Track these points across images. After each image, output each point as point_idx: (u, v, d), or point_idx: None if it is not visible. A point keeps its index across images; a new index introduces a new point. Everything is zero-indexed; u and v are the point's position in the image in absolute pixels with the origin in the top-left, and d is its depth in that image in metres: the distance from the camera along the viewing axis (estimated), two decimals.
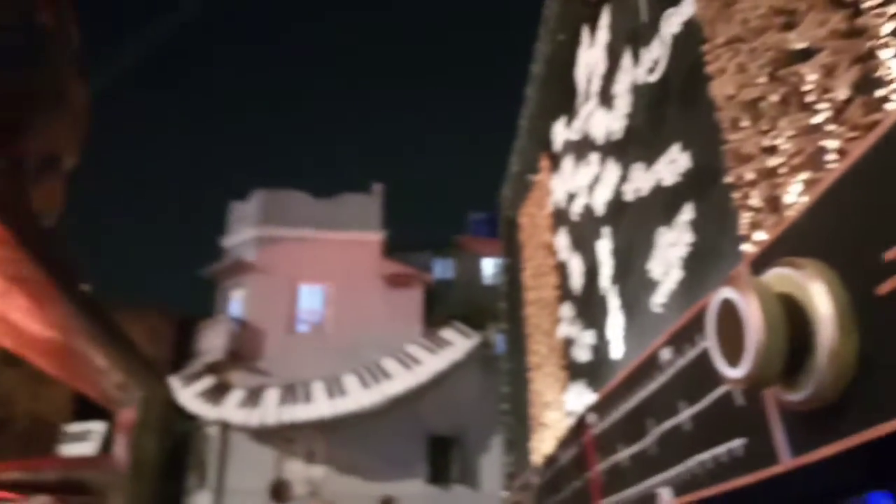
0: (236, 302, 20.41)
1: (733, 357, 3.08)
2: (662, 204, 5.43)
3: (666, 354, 4.70)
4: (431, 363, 18.38)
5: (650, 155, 5.75)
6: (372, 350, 18.62)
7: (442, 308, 20.40)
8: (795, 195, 3.38)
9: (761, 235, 3.65)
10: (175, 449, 16.00)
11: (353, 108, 66.48)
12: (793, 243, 3.16)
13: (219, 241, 21.43)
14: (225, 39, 62.34)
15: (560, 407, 9.08)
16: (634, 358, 5.67)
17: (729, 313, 3.11)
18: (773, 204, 3.54)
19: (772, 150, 3.59)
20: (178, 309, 21.14)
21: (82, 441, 16.84)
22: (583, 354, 8.11)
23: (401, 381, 18.04)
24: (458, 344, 18.87)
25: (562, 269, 9.17)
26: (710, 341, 3.30)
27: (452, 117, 64.52)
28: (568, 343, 8.76)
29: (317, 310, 20.38)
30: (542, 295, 10.02)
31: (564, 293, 9.02)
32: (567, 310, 8.86)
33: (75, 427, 17.42)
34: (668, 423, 4.67)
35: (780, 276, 3.06)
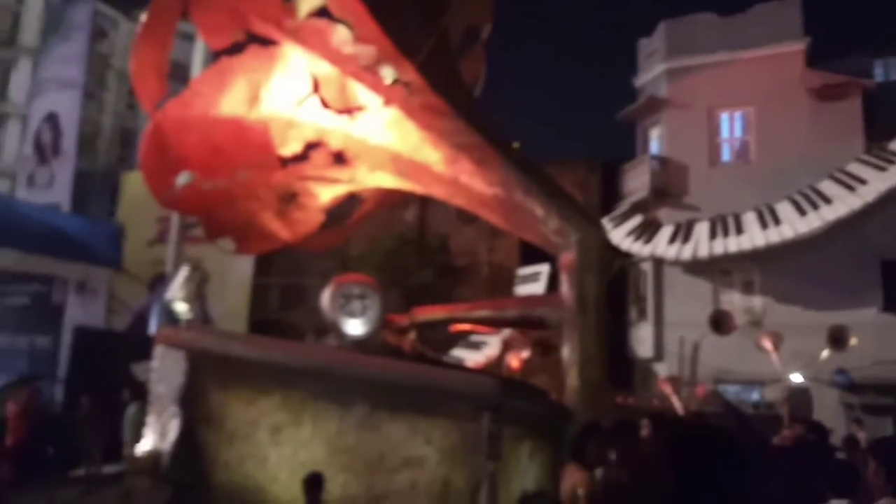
0: (656, 140, 20.38)
1: None
2: None
3: None
4: (879, 181, 16.18)
5: None
6: (804, 174, 17.05)
7: (888, 116, 17.57)
8: None
9: None
10: (613, 285, 17.04)
11: None
12: None
13: (632, 82, 21.32)
14: None
15: None
16: None
17: None
18: None
19: None
20: (600, 156, 21.90)
21: (532, 282, 18.97)
22: None
23: (843, 203, 16.28)
24: None
25: None
26: None
27: None
28: None
29: (739, 137, 19.30)
30: None
31: None
32: None
33: (525, 270, 19.65)
34: None
35: None
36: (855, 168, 16.68)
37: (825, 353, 15.32)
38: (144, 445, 2.32)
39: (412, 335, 3.77)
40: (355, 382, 2.26)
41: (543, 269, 18.38)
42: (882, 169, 16.26)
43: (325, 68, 3.39)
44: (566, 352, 4.69)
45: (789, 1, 18.91)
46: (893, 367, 15.43)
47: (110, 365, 10.90)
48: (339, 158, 3.68)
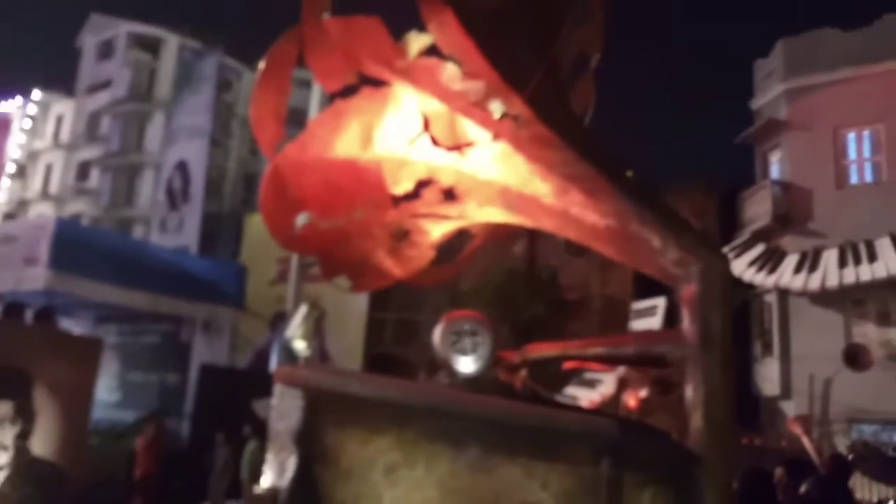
0: (776, 164, 19.55)
1: None
2: None
3: None
4: None
5: None
6: None
7: None
8: None
9: None
10: (736, 319, 16.30)
11: None
12: None
13: (749, 104, 20.59)
14: None
15: None
16: None
17: None
18: None
19: None
20: (719, 181, 21.14)
21: (648, 316, 18.41)
22: None
23: None
24: None
25: None
26: None
27: None
28: None
29: (868, 158, 18.18)
30: None
31: None
32: None
33: (640, 304, 19.11)
34: None
35: None
36: None
37: None
38: (263, 482, 2.36)
39: (524, 372, 3.70)
40: (467, 422, 2.22)
41: (660, 302, 17.82)
42: None
43: (434, 106, 3.44)
44: (690, 391, 4.47)
45: None
46: None
47: (233, 402, 11.34)
48: (449, 195, 3.70)
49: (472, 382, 2.70)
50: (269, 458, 2.47)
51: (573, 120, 3.74)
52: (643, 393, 10.24)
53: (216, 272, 17.14)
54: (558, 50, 3.39)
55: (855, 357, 15.50)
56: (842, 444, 13.48)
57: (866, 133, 18.25)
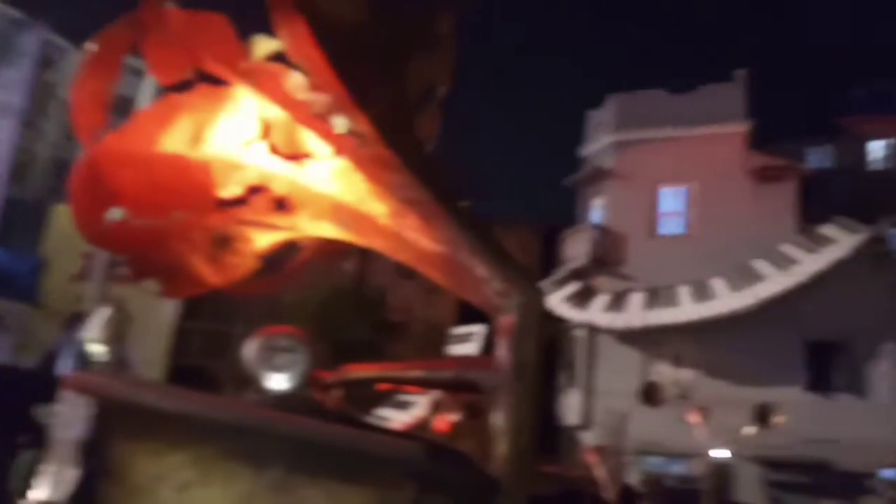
0: (598, 209, 20.76)
1: None
2: None
3: None
4: (810, 263, 16.80)
5: None
6: (740, 251, 17.60)
7: (820, 202, 18.36)
8: None
9: None
10: (546, 351, 17.03)
11: None
12: None
13: (579, 151, 21.81)
14: None
15: None
16: None
17: None
18: None
19: None
20: (543, 220, 22.23)
21: (466, 342, 18.84)
22: None
23: (775, 282, 16.86)
24: (841, 241, 16.94)
25: None
26: None
27: None
28: None
29: (679, 212, 19.82)
30: None
31: None
32: None
33: (460, 330, 19.53)
34: None
35: None
36: (788, 249, 17.29)
37: (749, 430, 15.60)
38: (36, 495, 2.13)
39: (338, 393, 3.64)
40: (271, 441, 2.14)
41: (479, 329, 18.33)
42: (813, 251, 16.89)
43: (275, 113, 3.35)
44: (498, 418, 4.57)
45: (735, 84, 19.75)
46: (813, 446, 15.75)
47: (12, 405, 10.27)
48: (281, 205, 3.60)
49: (282, 400, 2.61)
50: (47, 469, 2.24)
51: (416, 145, 3.76)
52: (454, 417, 10.43)
53: (10, 264, 15.63)
54: (407, 76, 3.41)
55: (650, 394, 16.75)
56: (633, 475, 14.39)
57: (680, 189, 19.86)
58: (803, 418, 15.89)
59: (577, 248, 19.98)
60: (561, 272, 20.04)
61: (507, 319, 3.29)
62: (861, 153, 19.85)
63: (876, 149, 19.56)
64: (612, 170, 20.30)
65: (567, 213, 21.85)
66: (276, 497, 2.13)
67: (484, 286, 3.40)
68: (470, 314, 16.58)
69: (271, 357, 2.60)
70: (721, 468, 16.11)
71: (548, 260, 20.99)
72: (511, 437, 3.18)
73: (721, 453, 15.74)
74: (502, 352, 3.27)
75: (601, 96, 21.38)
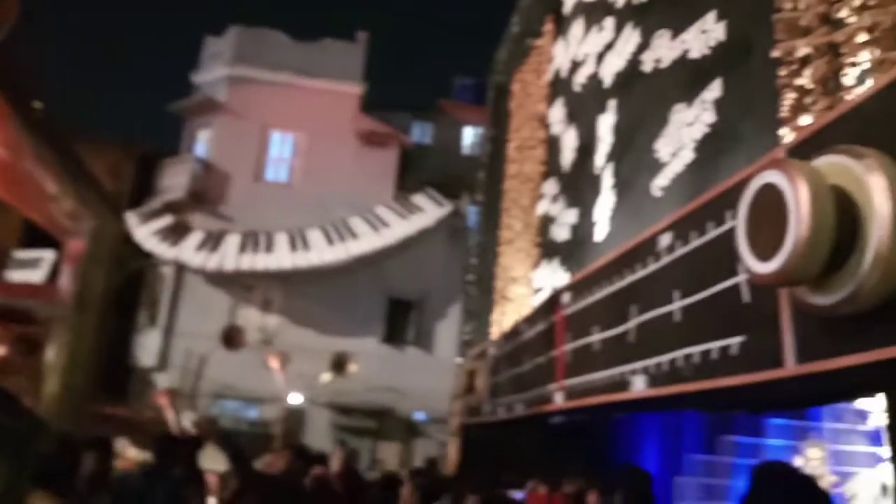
0: (203, 142, 19.61)
1: (766, 250, 2.74)
2: (685, 78, 4.96)
3: (665, 240, 4.39)
4: (400, 227, 18.12)
5: (678, 22, 5.21)
6: (340, 207, 18.22)
7: (416, 173, 19.87)
8: (858, 77, 2.97)
9: (805, 120, 3.26)
10: (127, 286, 15.70)
11: None
12: (851, 131, 2.77)
13: (191, 77, 20.29)
14: None
15: (528, 283, 8.93)
16: (621, 241, 5.39)
17: (769, 200, 2.75)
18: (828, 85, 3.13)
19: (837, 23, 3.14)
20: (141, 144, 20.16)
21: (31, 268, 16.38)
22: (561, 233, 7.83)
23: (367, 241, 17.81)
24: (429, 211, 18.56)
25: (552, 143, 8.73)
26: (740, 230, 2.96)
27: None
28: (547, 220, 8.46)
29: (287, 159, 19.71)
30: (526, 169, 9.62)
31: (551, 169, 8.62)
32: (551, 186, 8.50)
33: (24, 254, 16.92)
34: (656, 312, 4.44)
35: (832, 165, 2.69)
36: (383, 212, 18.36)
37: (325, 377, 16.34)
38: None
39: None
40: None
41: (48, 255, 16.05)
42: (404, 217, 18.21)
43: None
44: (51, 353, 3.80)
45: (356, 45, 20.21)
46: (381, 393, 17.10)
47: None
48: None
49: None
50: None
51: None
52: (2, 351, 8.89)
53: None
54: None
55: (232, 337, 16.51)
56: (187, 418, 13.95)
57: (289, 136, 19.74)
58: (375, 368, 17.16)
59: (175, 180, 18.65)
60: (154, 203, 18.57)
61: (75, 244, 2.63)
62: (456, 135, 21.87)
63: (468, 133, 21.71)
64: (223, 104, 19.33)
65: (172, 141, 20.23)
66: None
67: (51, 204, 2.67)
68: (40, 236, 14.45)
69: None
70: (294, 413, 16.60)
71: (143, 188, 19.22)
72: (63, 375, 2.61)
73: (296, 398, 16.21)
74: (65, 280, 2.60)
75: (223, 25, 20.18)
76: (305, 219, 17.98)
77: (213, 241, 17.65)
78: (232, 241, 17.62)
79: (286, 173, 19.59)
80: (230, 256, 17.33)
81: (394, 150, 19.79)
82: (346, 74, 19.70)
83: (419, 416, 17.59)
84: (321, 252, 17.52)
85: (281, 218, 17.92)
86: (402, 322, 18.47)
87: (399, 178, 19.58)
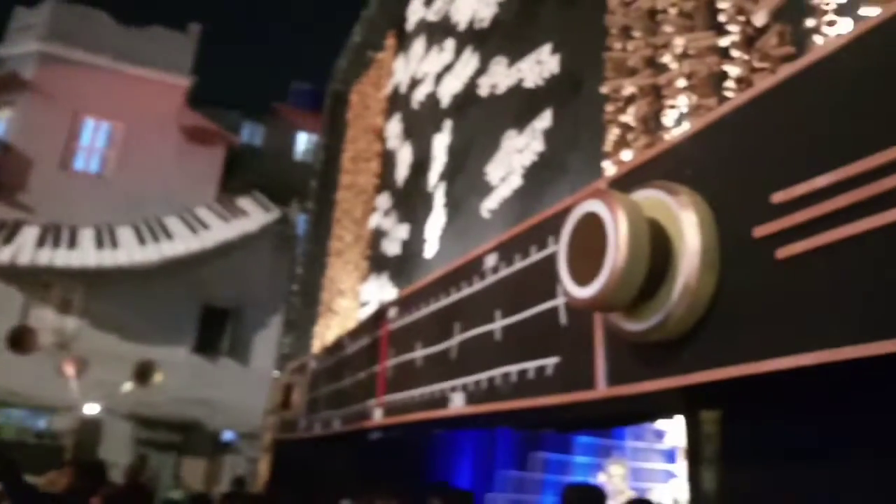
0: (3, 122, 17.81)
1: (584, 276, 2.84)
2: (518, 106, 5.12)
3: (490, 261, 4.47)
4: (220, 230, 17.35)
5: (516, 51, 5.38)
6: (156, 205, 17.17)
7: (243, 175, 19.15)
8: (676, 119, 3.18)
9: (627, 155, 3.45)
10: None
11: None
12: (667, 168, 2.94)
13: None
14: None
15: (355, 297, 8.84)
16: (449, 259, 5.45)
17: (589, 229, 2.85)
18: (649, 124, 3.33)
19: (661, 67, 3.35)
20: None
21: None
22: (391, 248, 7.82)
23: (182, 243, 16.88)
24: (254, 215, 17.95)
25: (387, 157, 8.73)
26: (560, 255, 3.05)
27: None
28: (378, 234, 8.43)
29: (100, 148, 18.32)
30: (360, 181, 9.55)
31: (384, 183, 8.61)
32: (384, 200, 8.48)
33: None
34: (478, 330, 4.50)
35: (649, 199, 2.84)
36: (203, 213, 17.50)
37: (127, 386, 15.22)
38: None
39: None
40: None
41: None
42: (226, 220, 17.45)
43: None
44: None
45: (188, 36, 19.25)
46: (190, 406, 16.19)
47: None
48: None
49: None
50: None
51: None
52: None
53: None
54: None
55: (21, 340, 14.94)
56: None
57: (105, 124, 18.39)
58: (184, 379, 16.23)
59: None
60: None
61: None
62: (290, 140, 21.37)
63: (302, 140, 21.29)
64: (30, 81, 17.68)
65: None
66: None
67: None
68: None
69: None
70: (90, 424, 15.33)
71: None
72: None
73: (92, 408, 14.99)
74: None
75: None
76: (116, 214, 16.77)
77: (7, 232, 16.02)
78: (30, 233, 16.07)
79: (98, 164, 18.21)
80: (26, 249, 15.79)
81: (220, 150, 19.00)
82: (174, 65, 18.71)
83: (228, 435, 16.88)
84: (131, 251, 16.39)
85: (89, 212, 16.61)
86: (216, 331, 17.62)
87: (224, 180, 18.81)
